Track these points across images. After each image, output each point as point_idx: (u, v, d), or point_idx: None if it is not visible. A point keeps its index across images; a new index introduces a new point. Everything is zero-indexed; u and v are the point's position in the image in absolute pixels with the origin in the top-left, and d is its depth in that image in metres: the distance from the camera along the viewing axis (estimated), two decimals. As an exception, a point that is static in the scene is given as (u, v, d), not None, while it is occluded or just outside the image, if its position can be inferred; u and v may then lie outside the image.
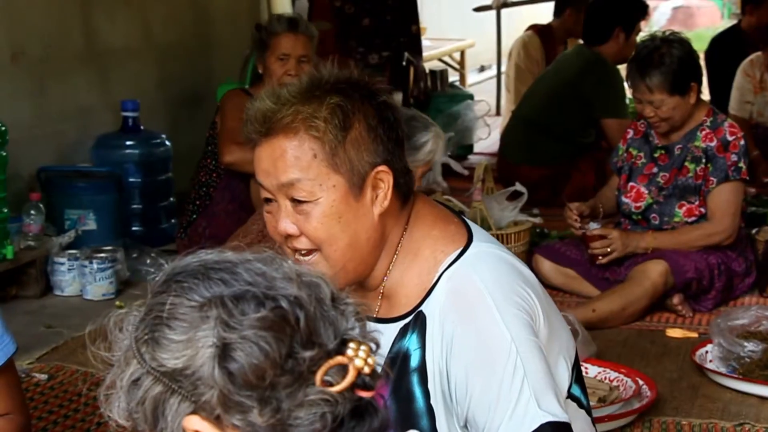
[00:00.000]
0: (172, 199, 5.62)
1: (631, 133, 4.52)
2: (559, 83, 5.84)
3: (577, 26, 6.15)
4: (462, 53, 10.41)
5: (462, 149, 7.17)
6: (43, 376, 3.65)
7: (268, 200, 1.93)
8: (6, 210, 4.42)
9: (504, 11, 9.21)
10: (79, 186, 5.08)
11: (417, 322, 1.93)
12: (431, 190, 4.48)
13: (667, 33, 4.36)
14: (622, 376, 3.40)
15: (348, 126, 1.85)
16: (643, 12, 5.90)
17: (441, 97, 7.50)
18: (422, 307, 1.92)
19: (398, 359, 1.94)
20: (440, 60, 9.67)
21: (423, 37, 7.72)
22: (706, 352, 3.70)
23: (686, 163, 4.31)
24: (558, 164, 5.83)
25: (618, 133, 5.26)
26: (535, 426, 1.82)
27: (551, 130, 5.82)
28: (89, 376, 3.55)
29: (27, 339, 3.88)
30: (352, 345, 1.12)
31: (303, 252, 1.91)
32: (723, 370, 3.58)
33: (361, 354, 1.12)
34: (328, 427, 1.09)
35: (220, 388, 1.09)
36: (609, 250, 4.26)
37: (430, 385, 1.91)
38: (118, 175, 5.20)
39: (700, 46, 5.55)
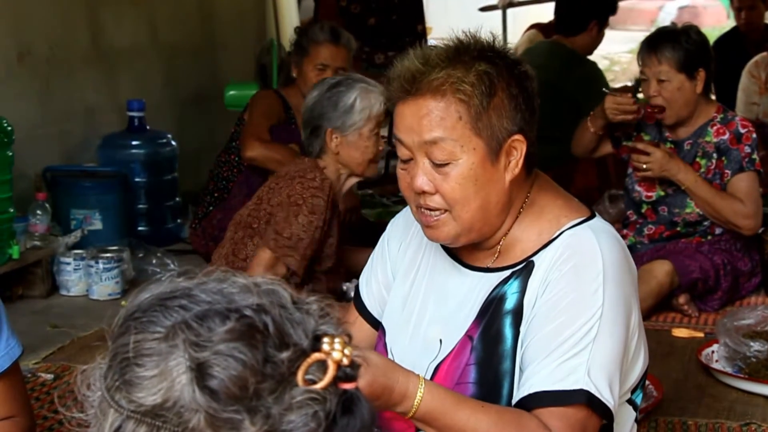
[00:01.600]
0: (177, 198, 5.63)
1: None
2: (540, 87, 5.70)
3: (598, 41, 5.96)
4: (468, 53, 10.40)
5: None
6: (49, 376, 3.65)
7: (403, 161, 1.99)
8: (12, 210, 4.43)
9: (510, 11, 9.20)
10: (85, 186, 5.09)
11: (524, 270, 1.99)
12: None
13: (683, 25, 4.36)
14: (627, 376, 3.40)
15: (493, 93, 1.93)
16: (614, 7, 5.82)
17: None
18: (534, 257, 1.99)
19: (494, 302, 2.00)
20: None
21: (429, 37, 7.72)
22: (712, 351, 3.69)
23: (697, 159, 4.30)
24: (557, 167, 5.73)
25: None
26: (574, 387, 1.86)
27: (541, 134, 5.72)
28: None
29: (33, 339, 3.89)
30: (326, 339, 1.11)
31: (434, 210, 1.97)
32: (729, 369, 3.58)
33: (337, 346, 1.10)
34: (323, 425, 1.08)
35: (205, 410, 1.07)
36: (645, 166, 4.24)
37: (522, 327, 1.96)
38: (124, 175, 5.21)
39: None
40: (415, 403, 1.81)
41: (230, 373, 1.07)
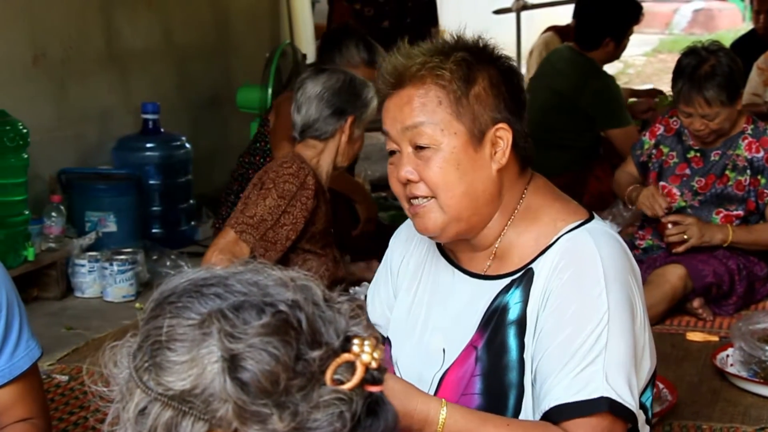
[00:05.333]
0: (191, 201, 5.64)
1: (661, 129, 4.45)
2: (554, 95, 5.60)
3: (618, 53, 5.89)
4: (481, 56, 10.38)
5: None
6: (64, 378, 3.67)
7: (391, 153, 2.02)
8: (27, 212, 4.45)
9: (524, 14, 9.18)
10: (100, 188, 5.10)
11: (524, 278, 1.98)
12: None
13: (706, 43, 4.29)
14: (642, 380, 3.39)
15: (472, 79, 1.95)
16: (636, 15, 5.66)
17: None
18: (533, 265, 1.98)
19: (497, 313, 1.99)
20: (460, 62, 9.64)
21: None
22: (727, 356, 3.68)
23: (727, 172, 4.27)
24: (571, 172, 5.70)
25: (625, 142, 5.22)
26: (595, 396, 1.86)
27: (553, 141, 5.63)
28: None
29: (48, 340, 3.89)
30: (356, 341, 1.12)
31: (420, 198, 1.98)
32: (744, 374, 3.56)
33: (367, 349, 1.11)
34: (348, 426, 1.09)
35: (234, 401, 1.07)
36: (685, 237, 4.21)
37: (526, 338, 1.96)
38: (138, 177, 5.22)
39: (722, 49, 5.49)
40: (438, 429, 1.83)
41: (263, 367, 1.07)
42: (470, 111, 1.94)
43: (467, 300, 2.04)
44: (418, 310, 2.12)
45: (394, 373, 2.07)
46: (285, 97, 4.82)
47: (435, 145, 1.94)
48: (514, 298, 1.98)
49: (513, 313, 1.98)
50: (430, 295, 2.11)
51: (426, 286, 2.13)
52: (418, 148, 1.95)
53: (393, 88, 1.98)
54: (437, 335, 2.06)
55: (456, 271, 2.09)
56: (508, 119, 1.97)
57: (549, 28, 7.72)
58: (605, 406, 1.85)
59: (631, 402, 1.87)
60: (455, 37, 2.02)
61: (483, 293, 2.03)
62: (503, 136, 1.97)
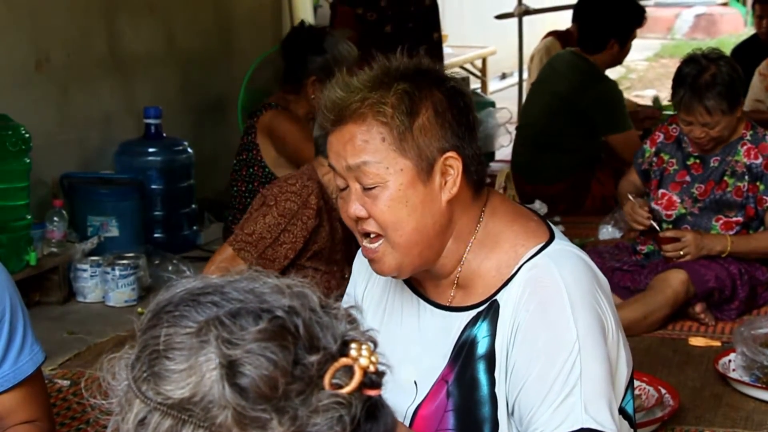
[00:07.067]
0: (194, 205, 5.64)
1: (661, 137, 4.46)
2: (556, 99, 5.63)
3: (622, 57, 5.90)
4: (483, 61, 10.39)
5: (483, 157, 7.11)
6: (66, 382, 3.67)
7: (341, 189, 1.97)
8: (29, 216, 4.45)
9: (525, 18, 9.18)
10: (102, 192, 5.10)
11: (490, 311, 1.95)
12: None
13: (706, 51, 4.28)
14: (644, 385, 3.38)
15: (415, 112, 1.88)
16: (639, 18, 5.67)
17: (462, 104, 7.45)
18: (497, 296, 1.95)
19: (465, 346, 1.97)
20: (462, 67, 9.66)
21: (445, 45, 7.72)
22: (729, 360, 3.68)
23: (725, 178, 4.27)
24: (573, 176, 5.71)
25: (626, 147, 5.23)
26: (575, 428, 1.84)
27: (555, 145, 5.64)
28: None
29: (50, 345, 3.89)
30: (353, 345, 1.12)
31: (372, 236, 1.94)
32: (746, 379, 3.56)
33: (364, 353, 1.12)
34: (347, 429, 1.09)
35: (233, 407, 1.07)
36: (682, 252, 4.22)
37: (496, 373, 1.94)
38: (140, 182, 5.22)
39: (724, 54, 5.48)
40: None
41: (261, 372, 1.07)
42: (415, 145, 1.88)
43: (435, 332, 2.01)
44: (385, 341, 2.09)
45: None
46: (283, 117, 4.79)
47: (381, 184, 1.89)
48: (481, 331, 1.95)
49: (481, 347, 1.95)
50: (395, 325, 2.08)
51: (392, 316, 2.09)
52: (365, 186, 1.91)
53: (333, 125, 1.92)
54: (408, 367, 2.02)
55: (421, 301, 2.06)
56: (456, 146, 1.91)
57: (549, 33, 7.73)
58: None
59: (611, 426, 1.86)
60: (395, 63, 1.94)
61: (450, 325, 2.00)
62: (453, 164, 1.91)
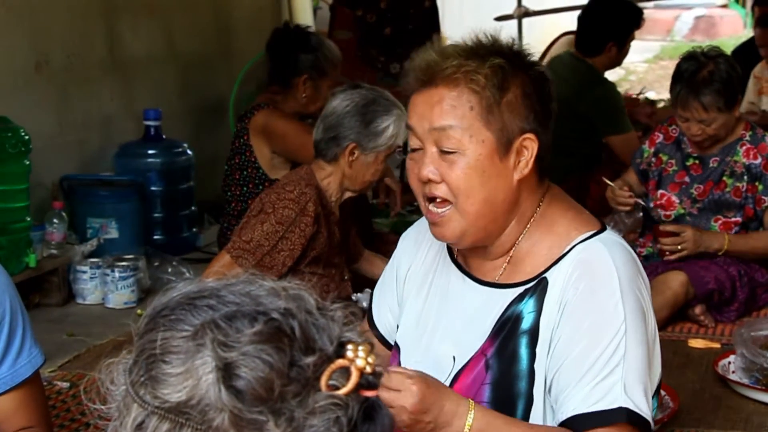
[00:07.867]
0: (193, 207, 5.64)
1: (660, 138, 4.47)
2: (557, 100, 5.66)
3: (620, 59, 5.90)
4: (483, 62, 10.38)
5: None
6: (65, 384, 3.67)
7: (412, 150, 1.99)
8: (29, 218, 4.45)
9: (525, 21, 9.19)
10: (102, 194, 5.10)
11: (538, 288, 1.98)
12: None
13: (705, 49, 4.29)
14: (644, 387, 3.38)
15: (506, 87, 1.93)
16: (637, 20, 5.67)
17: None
18: (546, 274, 1.98)
19: (510, 322, 1.99)
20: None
21: (444, 47, 7.73)
22: (729, 362, 3.68)
23: (724, 178, 4.28)
24: (572, 178, 5.71)
25: (625, 148, 5.22)
26: (614, 406, 1.87)
27: (555, 146, 5.63)
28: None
29: (49, 347, 3.88)
30: (350, 347, 1.12)
31: (438, 201, 1.96)
32: (746, 381, 3.56)
33: (361, 354, 1.11)
34: (345, 431, 1.09)
35: (230, 409, 1.07)
36: (680, 247, 4.22)
37: (538, 348, 1.96)
38: (140, 184, 5.22)
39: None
40: (467, 423, 1.84)
41: (257, 374, 1.08)
42: (500, 119, 1.93)
43: (478, 307, 2.04)
44: (427, 317, 2.12)
45: None
46: (277, 116, 4.79)
47: (461, 150, 1.93)
48: (527, 307, 1.98)
49: (526, 323, 1.98)
50: (439, 301, 2.11)
51: (436, 291, 2.13)
52: (444, 150, 1.94)
53: (423, 85, 1.96)
54: (447, 342, 2.06)
55: (466, 278, 2.09)
56: (535, 130, 1.97)
57: (564, 33, 7.70)
58: (624, 417, 1.87)
59: (647, 412, 1.89)
60: (490, 39, 1.99)
61: (495, 301, 2.02)
62: (529, 146, 1.97)
